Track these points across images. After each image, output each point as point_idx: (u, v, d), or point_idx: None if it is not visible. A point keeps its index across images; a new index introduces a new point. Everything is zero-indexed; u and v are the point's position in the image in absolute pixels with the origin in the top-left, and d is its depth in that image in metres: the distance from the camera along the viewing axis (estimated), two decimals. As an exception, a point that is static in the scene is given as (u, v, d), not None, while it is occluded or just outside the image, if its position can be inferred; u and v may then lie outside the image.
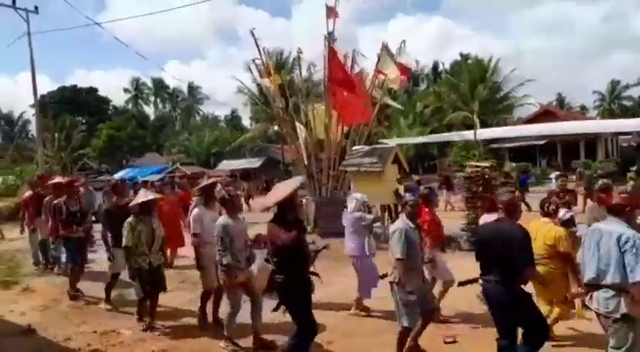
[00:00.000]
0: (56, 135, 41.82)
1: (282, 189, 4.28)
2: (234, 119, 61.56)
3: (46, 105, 43.21)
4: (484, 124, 30.57)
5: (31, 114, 47.65)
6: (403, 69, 11.29)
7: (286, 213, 3.99)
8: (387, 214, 10.69)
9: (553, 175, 15.50)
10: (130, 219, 5.30)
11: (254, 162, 40.06)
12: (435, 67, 48.01)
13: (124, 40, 52.50)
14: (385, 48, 11.37)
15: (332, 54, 10.83)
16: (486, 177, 9.75)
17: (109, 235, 6.16)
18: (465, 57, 39.58)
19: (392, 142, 24.04)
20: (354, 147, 11.43)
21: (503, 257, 3.61)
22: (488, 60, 36.72)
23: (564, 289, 4.44)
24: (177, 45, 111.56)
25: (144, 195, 5.50)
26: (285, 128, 12.48)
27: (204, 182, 6.43)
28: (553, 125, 29.75)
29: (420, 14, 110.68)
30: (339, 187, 11.56)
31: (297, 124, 11.86)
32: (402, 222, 4.38)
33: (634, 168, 18.87)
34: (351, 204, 5.84)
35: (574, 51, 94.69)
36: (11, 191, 21.90)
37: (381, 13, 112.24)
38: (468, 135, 29.25)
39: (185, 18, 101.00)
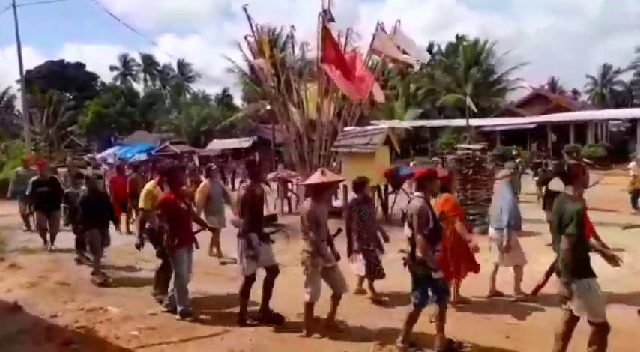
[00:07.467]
0: (44, 111, 41.02)
1: None
2: (225, 98, 60.79)
3: (33, 80, 42.25)
4: (477, 108, 30.65)
5: (17, 89, 46.67)
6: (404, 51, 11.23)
7: None
8: (377, 195, 10.72)
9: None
10: None
11: (245, 142, 39.82)
12: (430, 48, 47.56)
13: (117, 14, 51.58)
14: (380, 27, 11.22)
15: (326, 33, 10.65)
16: (477, 159, 9.80)
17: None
18: (460, 39, 39.21)
19: (384, 124, 23.99)
20: (346, 128, 11.37)
21: None
22: (484, 42, 36.55)
23: None
24: (170, 20, 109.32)
25: None
26: (276, 107, 12.36)
27: None
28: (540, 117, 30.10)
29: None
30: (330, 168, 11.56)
31: (289, 104, 11.73)
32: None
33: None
34: None
35: (574, 33, 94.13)
36: (-4, 167, 21.49)
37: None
38: (460, 122, 29.36)
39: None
